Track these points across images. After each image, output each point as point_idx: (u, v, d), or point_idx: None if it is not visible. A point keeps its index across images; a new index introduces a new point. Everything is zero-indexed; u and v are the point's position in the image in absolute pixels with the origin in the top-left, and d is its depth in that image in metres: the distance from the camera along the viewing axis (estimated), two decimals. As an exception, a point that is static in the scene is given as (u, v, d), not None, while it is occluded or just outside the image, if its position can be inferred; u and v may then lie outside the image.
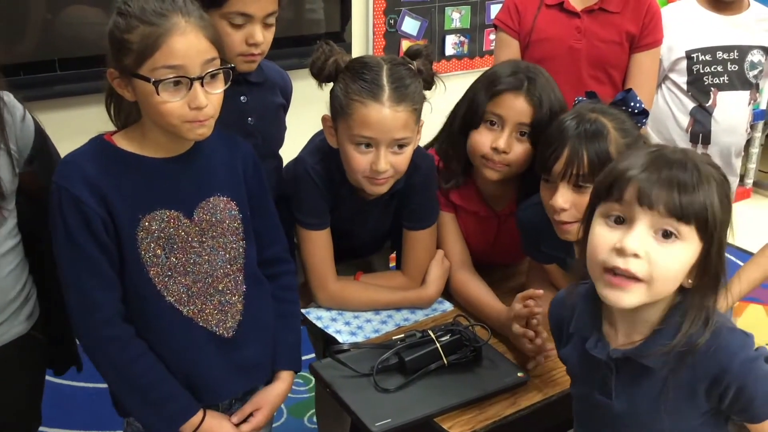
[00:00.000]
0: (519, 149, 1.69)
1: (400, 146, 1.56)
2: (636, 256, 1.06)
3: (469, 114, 1.74)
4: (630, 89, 1.60)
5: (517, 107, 1.68)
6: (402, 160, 1.58)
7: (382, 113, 1.52)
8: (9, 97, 1.43)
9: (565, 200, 1.50)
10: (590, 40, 2.21)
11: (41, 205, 1.37)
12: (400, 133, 1.54)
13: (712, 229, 1.07)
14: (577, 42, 2.21)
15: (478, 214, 1.84)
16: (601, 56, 2.22)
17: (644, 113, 1.58)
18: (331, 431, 2.07)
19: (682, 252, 1.07)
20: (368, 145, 1.55)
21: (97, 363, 1.36)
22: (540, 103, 1.67)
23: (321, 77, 1.59)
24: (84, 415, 2.42)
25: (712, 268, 1.09)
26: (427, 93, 1.63)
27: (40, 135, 1.48)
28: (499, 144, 1.68)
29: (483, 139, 1.71)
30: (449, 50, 3.70)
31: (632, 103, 1.56)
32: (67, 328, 1.48)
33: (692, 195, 1.06)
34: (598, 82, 2.23)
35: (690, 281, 1.10)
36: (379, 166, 1.55)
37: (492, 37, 3.59)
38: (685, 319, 1.10)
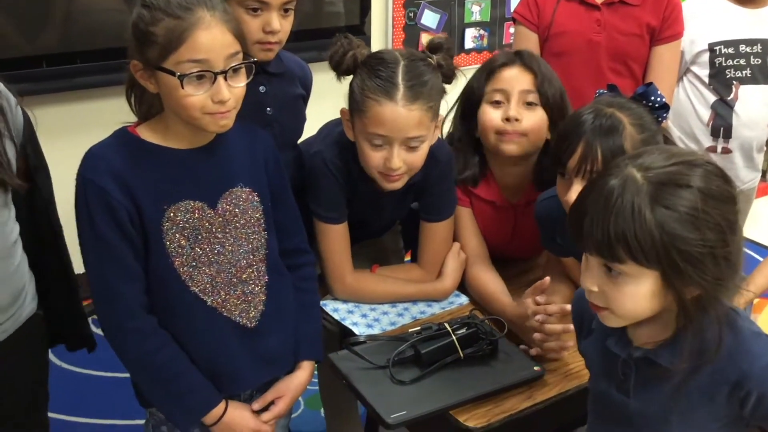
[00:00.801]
0: (531, 117, 1.72)
1: (415, 144, 1.56)
2: (592, 291, 1.08)
3: (471, 100, 1.77)
4: (651, 83, 1.59)
5: (515, 77, 1.72)
6: (416, 157, 1.58)
7: (396, 112, 1.52)
8: (1, 85, 1.43)
9: None
10: (610, 32, 2.20)
11: (31, 190, 1.42)
12: (413, 131, 1.54)
13: (659, 257, 1.00)
14: (596, 35, 2.20)
15: (495, 204, 1.85)
16: (621, 49, 2.21)
17: (665, 107, 1.56)
18: (339, 422, 2.08)
19: (634, 287, 1.03)
20: (382, 143, 1.56)
21: (120, 354, 1.38)
22: (539, 70, 1.72)
23: (339, 71, 1.59)
24: (106, 404, 2.45)
25: (687, 289, 1.03)
26: (446, 87, 1.63)
27: (29, 123, 1.50)
28: (510, 113, 1.70)
29: (492, 117, 1.73)
30: (468, 43, 3.69)
31: (653, 97, 1.55)
32: (73, 305, 1.53)
33: (615, 230, 0.99)
34: (618, 75, 2.22)
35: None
36: (392, 164, 1.55)
37: (512, 30, 3.58)
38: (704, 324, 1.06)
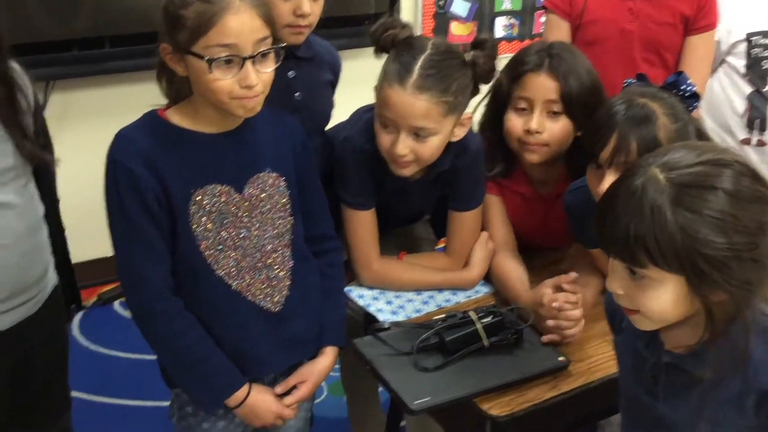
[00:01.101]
0: (554, 127, 1.69)
1: (423, 135, 1.55)
2: (618, 294, 1.05)
3: (497, 101, 1.75)
4: (681, 72, 1.56)
5: (541, 86, 1.68)
6: (425, 148, 1.56)
7: (402, 98, 1.51)
8: (24, 79, 1.46)
9: None
10: (643, 21, 2.17)
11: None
12: (419, 121, 1.53)
13: (682, 262, 0.96)
14: (629, 23, 2.17)
15: (524, 195, 1.83)
16: (654, 38, 2.18)
17: (695, 96, 1.54)
18: (361, 408, 2.09)
19: (658, 291, 1.00)
20: (391, 126, 1.55)
21: (146, 335, 1.39)
22: (565, 77, 1.67)
23: (376, 47, 1.59)
24: (133, 385, 2.49)
25: (713, 293, 0.99)
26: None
27: (36, 102, 1.52)
28: (531, 125, 1.68)
29: (515, 124, 1.71)
30: (499, 32, 3.66)
31: (683, 86, 1.53)
32: (67, 272, 1.61)
33: (636, 233, 0.97)
34: (651, 65, 2.19)
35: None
36: (396, 149, 1.55)
37: (543, 19, 3.54)
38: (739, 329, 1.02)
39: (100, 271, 2.75)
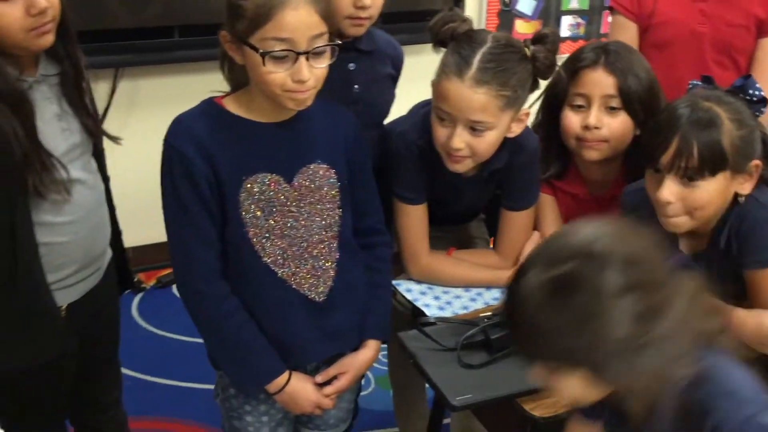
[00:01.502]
0: (613, 123, 1.66)
1: (479, 128, 1.53)
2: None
3: (553, 100, 1.73)
4: (749, 75, 1.51)
5: (598, 82, 1.65)
6: (481, 143, 1.55)
7: (460, 90, 1.50)
8: (84, 61, 1.51)
9: (672, 193, 1.42)
10: (715, 23, 2.10)
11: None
12: (476, 115, 1.51)
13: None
14: (701, 25, 2.10)
15: (578, 197, 1.80)
16: (726, 41, 2.11)
17: (763, 102, 1.48)
18: (406, 402, 2.09)
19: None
20: (447, 119, 1.54)
21: (193, 316, 1.43)
22: (623, 72, 1.64)
23: (435, 40, 1.59)
24: (185, 367, 2.55)
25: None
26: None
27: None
28: (590, 121, 1.66)
29: (573, 121, 1.69)
30: (564, 32, 3.61)
31: (750, 91, 1.47)
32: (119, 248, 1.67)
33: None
34: (723, 68, 2.12)
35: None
36: (452, 143, 1.54)
37: (610, 20, 3.48)
38: None
39: (161, 255, 2.82)
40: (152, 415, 2.33)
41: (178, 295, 1.44)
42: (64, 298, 1.47)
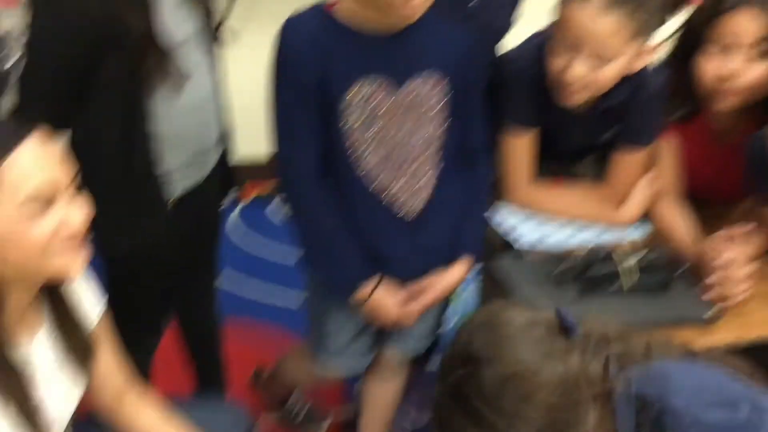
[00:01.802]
0: (754, 72, 1.52)
1: (603, 58, 1.43)
2: None
3: (689, 38, 1.59)
4: None
5: (744, 29, 1.49)
6: (600, 76, 1.45)
7: (586, 15, 1.40)
8: None
9: None
10: None
11: None
12: (602, 42, 1.41)
13: None
14: None
15: (702, 143, 1.69)
16: None
17: None
18: None
19: None
20: (566, 48, 1.45)
21: (293, 214, 1.46)
22: None
23: None
24: (282, 271, 2.59)
25: None
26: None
27: None
28: (731, 70, 1.51)
29: (707, 69, 1.54)
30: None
31: None
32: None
33: None
34: None
35: None
36: (569, 73, 1.45)
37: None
38: None
39: (267, 171, 2.87)
40: (244, 316, 2.40)
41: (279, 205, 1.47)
42: (169, 192, 1.51)
